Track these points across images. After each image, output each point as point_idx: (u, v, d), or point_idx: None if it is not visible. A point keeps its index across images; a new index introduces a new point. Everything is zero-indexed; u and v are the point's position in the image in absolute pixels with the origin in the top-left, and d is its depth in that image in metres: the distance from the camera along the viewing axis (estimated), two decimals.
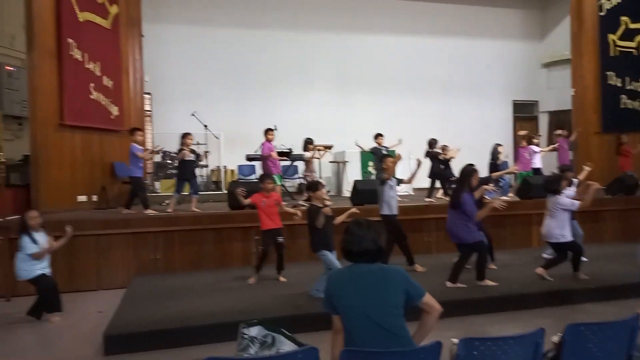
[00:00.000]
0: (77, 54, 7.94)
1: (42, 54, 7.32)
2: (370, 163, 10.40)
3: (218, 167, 11.47)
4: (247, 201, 5.86)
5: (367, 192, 7.50)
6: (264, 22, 12.45)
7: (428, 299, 2.51)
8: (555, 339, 2.68)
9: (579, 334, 2.52)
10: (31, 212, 5.20)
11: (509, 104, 14.44)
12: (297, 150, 9.39)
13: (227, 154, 11.37)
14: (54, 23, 7.55)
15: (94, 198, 8.17)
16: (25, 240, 5.03)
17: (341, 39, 12.93)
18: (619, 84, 10.86)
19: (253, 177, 10.72)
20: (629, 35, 10.72)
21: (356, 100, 12.90)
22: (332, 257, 5.09)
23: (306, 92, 12.61)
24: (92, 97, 8.28)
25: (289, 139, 9.85)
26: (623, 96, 10.79)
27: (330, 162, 10.92)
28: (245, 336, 2.72)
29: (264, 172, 7.88)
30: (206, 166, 10.81)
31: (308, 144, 8.50)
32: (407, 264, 6.23)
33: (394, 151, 8.77)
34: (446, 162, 8.73)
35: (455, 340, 2.48)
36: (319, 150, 8.71)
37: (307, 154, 8.59)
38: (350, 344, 2.35)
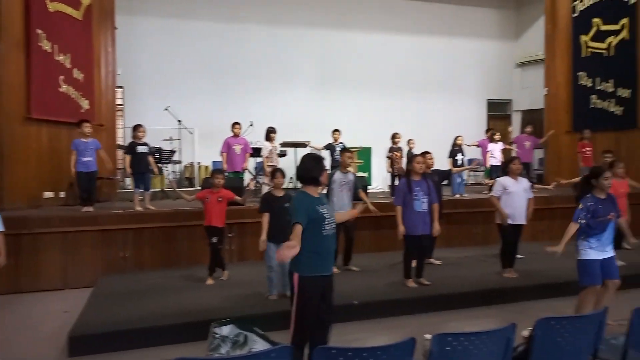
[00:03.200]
0: (46, 46, 7.65)
1: (9, 44, 7.02)
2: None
3: (192, 162, 11.28)
4: (191, 197, 5.77)
5: None
6: (242, 16, 12.28)
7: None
8: (526, 333, 2.70)
9: (549, 328, 2.53)
10: None
11: (483, 103, 14.63)
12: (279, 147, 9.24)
13: (202, 150, 11.18)
14: (22, 13, 7.24)
15: (61, 194, 7.90)
16: None
17: (321, 35, 12.87)
18: (590, 84, 11.09)
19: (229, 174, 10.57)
20: (600, 36, 10.95)
21: (337, 97, 12.85)
22: (271, 250, 4.89)
23: (286, 88, 12.50)
24: (61, 90, 8.00)
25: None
26: (593, 96, 11.02)
27: None
28: (217, 335, 2.65)
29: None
30: (179, 162, 10.62)
31: (270, 132, 8.28)
32: (343, 263, 6.29)
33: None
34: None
35: (428, 337, 2.47)
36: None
37: (267, 145, 8.32)
38: None
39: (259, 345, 2.60)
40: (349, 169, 6.07)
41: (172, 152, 9.93)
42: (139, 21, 11.34)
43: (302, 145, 9.83)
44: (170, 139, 10.58)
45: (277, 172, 5.22)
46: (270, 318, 4.54)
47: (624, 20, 10.46)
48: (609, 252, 4.26)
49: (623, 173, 6.14)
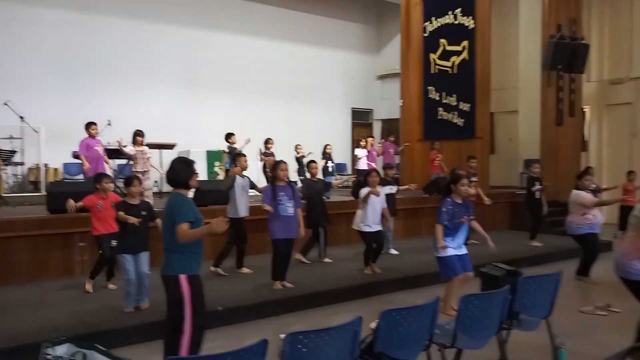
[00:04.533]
0: None
1: None
2: (217, 163, 10.20)
3: (37, 165, 10.04)
4: (79, 204, 5.21)
5: (211, 193, 7.29)
6: (98, 6, 11.32)
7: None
8: (373, 325, 2.91)
9: (391, 319, 2.77)
10: None
11: (348, 111, 15.51)
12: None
13: (50, 151, 10.02)
14: None
15: None
16: None
17: (187, 34, 12.44)
18: (437, 98, 12.40)
19: (81, 177, 9.64)
20: (446, 55, 12.31)
21: (204, 98, 12.55)
22: (128, 262, 4.67)
23: (149, 87, 11.83)
24: None
25: (128, 136, 9.09)
26: (440, 108, 12.35)
27: None
28: (49, 356, 2.38)
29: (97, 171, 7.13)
30: (21, 164, 9.40)
31: (137, 136, 7.82)
32: (236, 266, 6.34)
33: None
34: (299, 161, 9.21)
35: (283, 336, 2.52)
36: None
37: (131, 149, 7.82)
38: None
39: None
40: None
41: (12, 152, 8.78)
42: None
43: (168, 147, 9.42)
44: (11, 138, 9.34)
45: (133, 179, 4.91)
46: (126, 332, 4.30)
47: (465, 43, 11.91)
48: (464, 250, 4.92)
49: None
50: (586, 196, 6.29)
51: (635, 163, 11.49)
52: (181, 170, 3.36)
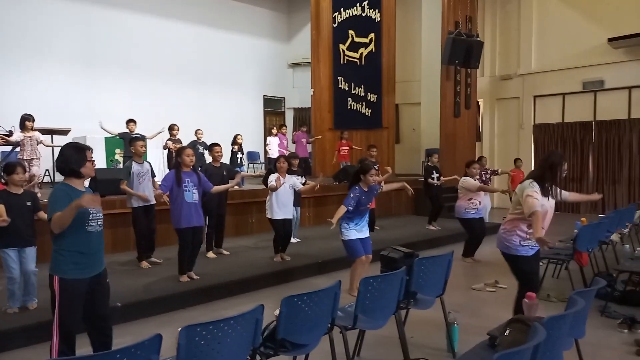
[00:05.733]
0: None
1: None
2: (118, 150, 9.57)
3: None
4: None
5: (108, 182, 6.82)
6: None
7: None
8: (277, 312, 2.92)
9: (292, 305, 2.79)
10: None
11: (260, 98, 15.33)
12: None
13: None
14: None
15: None
16: None
17: (84, 10, 11.45)
18: (347, 88, 12.71)
19: None
20: (354, 47, 12.62)
21: (105, 82, 11.66)
22: (11, 259, 4.26)
23: (42, 67, 10.74)
24: None
25: (14, 120, 8.18)
26: (349, 99, 12.67)
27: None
28: None
29: None
30: None
31: (25, 120, 7.10)
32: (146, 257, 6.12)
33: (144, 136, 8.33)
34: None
35: (180, 329, 2.43)
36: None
37: (18, 135, 7.09)
38: None
39: None
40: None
41: None
42: None
43: (62, 132, 8.66)
44: None
45: (17, 166, 4.44)
46: (10, 335, 3.93)
47: (372, 35, 12.29)
48: (366, 233, 5.19)
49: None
50: (471, 182, 6.82)
51: (522, 151, 12.71)
52: (70, 156, 3.02)
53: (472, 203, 6.83)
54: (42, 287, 4.35)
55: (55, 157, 3.17)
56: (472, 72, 12.39)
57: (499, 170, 9.97)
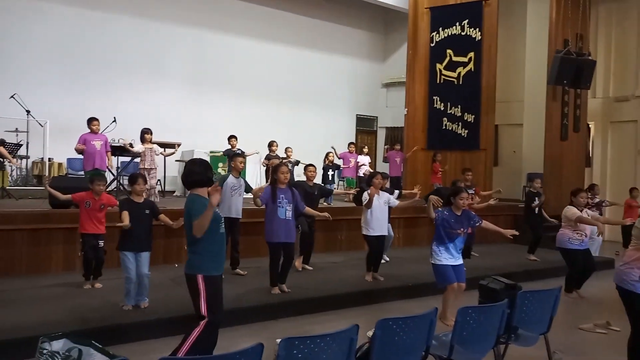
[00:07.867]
0: None
1: None
2: (221, 164, 10.21)
3: (42, 158, 10.07)
4: (67, 197, 5.24)
5: None
6: (107, 2, 11.37)
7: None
8: (370, 333, 2.90)
9: (387, 328, 2.76)
10: None
11: (353, 117, 15.53)
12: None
13: (55, 145, 10.03)
14: None
15: None
16: None
17: (197, 35, 12.51)
18: (442, 108, 12.41)
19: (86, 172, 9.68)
20: (452, 66, 12.33)
21: (211, 99, 12.60)
22: (129, 260, 4.66)
23: (157, 86, 11.86)
24: None
25: (134, 134, 9.11)
26: (445, 118, 12.36)
27: (177, 160, 10.41)
28: (45, 351, 2.38)
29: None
30: (27, 157, 9.44)
31: (145, 134, 7.85)
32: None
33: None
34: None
35: (279, 341, 2.51)
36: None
37: (140, 147, 7.82)
38: None
39: (96, 359, 2.41)
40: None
41: (18, 145, 8.81)
42: None
43: (171, 146, 9.44)
44: (17, 131, 9.39)
45: (138, 177, 4.93)
46: (125, 329, 4.31)
47: (471, 54, 11.94)
48: (459, 260, 4.96)
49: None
50: (570, 211, 6.25)
51: (639, 180, 11.48)
52: (196, 170, 3.47)
53: (578, 233, 6.28)
54: (153, 288, 4.79)
55: (180, 171, 3.55)
56: (583, 92, 11.52)
57: (606, 201, 9.04)
